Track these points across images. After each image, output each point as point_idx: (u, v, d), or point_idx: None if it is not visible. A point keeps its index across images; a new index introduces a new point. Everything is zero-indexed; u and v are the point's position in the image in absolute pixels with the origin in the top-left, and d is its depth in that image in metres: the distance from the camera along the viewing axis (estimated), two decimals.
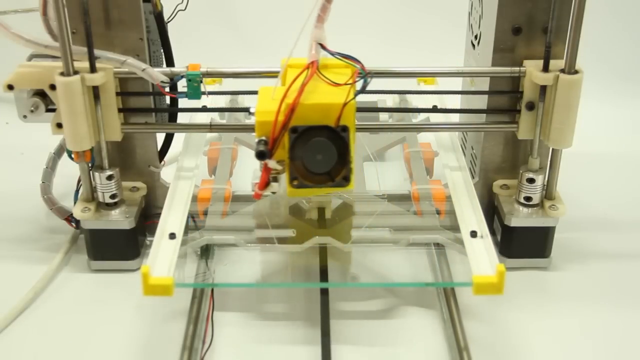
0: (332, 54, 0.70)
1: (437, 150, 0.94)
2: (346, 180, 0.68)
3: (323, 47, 0.70)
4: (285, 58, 0.73)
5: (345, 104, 0.65)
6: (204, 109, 0.91)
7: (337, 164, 0.67)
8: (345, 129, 0.66)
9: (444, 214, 0.85)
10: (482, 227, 0.75)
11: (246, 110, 0.79)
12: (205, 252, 0.84)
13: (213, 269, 0.81)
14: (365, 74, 0.69)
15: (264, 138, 0.67)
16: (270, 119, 0.66)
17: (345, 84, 0.68)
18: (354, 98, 0.66)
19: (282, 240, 0.80)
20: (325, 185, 0.68)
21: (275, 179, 0.69)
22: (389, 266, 0.82)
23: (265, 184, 0.69)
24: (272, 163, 0.67)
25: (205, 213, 0.85)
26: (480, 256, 0.71)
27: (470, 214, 0.78)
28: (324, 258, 0.79)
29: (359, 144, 0.93)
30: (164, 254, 0.71)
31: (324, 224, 0.82)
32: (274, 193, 0.71)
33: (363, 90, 0.68)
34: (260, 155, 0.66)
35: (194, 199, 0.84)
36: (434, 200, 0.86)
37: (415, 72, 0.84)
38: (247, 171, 0.98)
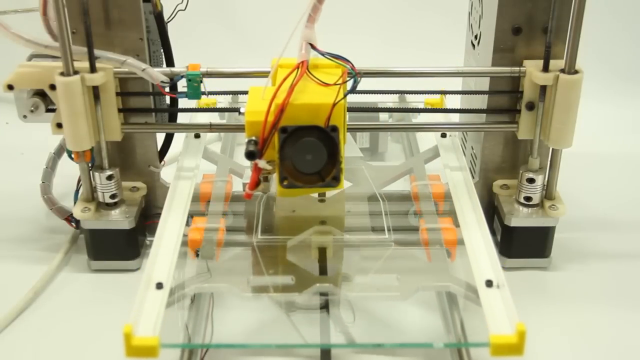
0: (322, 53, 0.71)
1: (447, 183, 0.87)
2: (336, 180, 0.67)
3: (313, 47, 0.70)
4: (275, 58, 0.72)
5: (334, 104, 0.65)
6: (205, 109, 0.91)
7: (327, 164, 0.67)
8: (335, 128, 0.66)
9: (455, 256, 0.78)
10: (499, 275, 0.69)
11: (236, 110, 0.78)
12: (197, 300, 0.75)
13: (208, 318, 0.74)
14: (355, 74, 0.69)
15: (254, 138, 0.66)
16: (260, 119, 0.65)
17: (335, 84, 0.68)
18: (343, 98, 0.66)
19: (279, 289, 0.72)
20: (315, 185, 0.68)
21: (266, 179, 0.69)
22: (396, 318, 0.76)
23: (255, 184, 0.69)
24: (262, 163, 0.67)
25: (197, 254, 0.77)
26: (498, 311, 0.65)
27: (485, 257, 0.71)
28: (326, 310, 0.73)
29: (363, 177, 0.90)
30: (149, 308, 0.64)
31: (325, 268, 0.75)
32: (265, 193, 0.70)
33: (353, 90, 0.68)
34: (250, 155, 0.66)
35: (184, 242, 0.76)
36: (444, 241, 0.78)
37: (415, 72, 0.84)
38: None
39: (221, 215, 0.83)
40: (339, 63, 0.71)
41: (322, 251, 0.77)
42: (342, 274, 0.75)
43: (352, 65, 0.70)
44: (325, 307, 0.73)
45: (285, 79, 0.67)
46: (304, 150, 0.66)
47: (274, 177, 0.69)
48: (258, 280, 0.73)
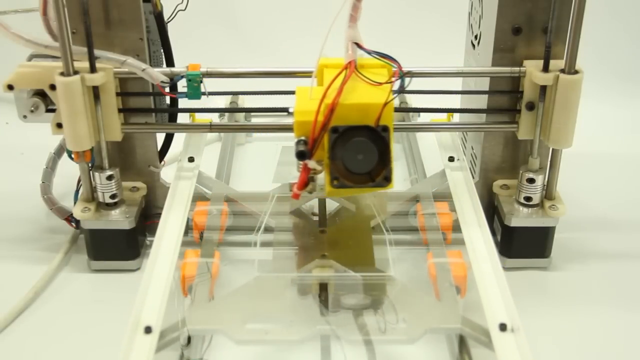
0: (369, 52, 0.70)
1: (456, 213, 0.83)
2: (387, 180, 0.67)
3: (359, 46, 0.70)
4: (320, 57, 0.72)
5: (385, 104, 0.65)
6: (206, 109, 0.90)
7: (377, 164, 0.67)
8: (385, 128, 0.66)
9: (465, 292, 0.73)
10: (513, 317, 0.65)
11: (284, 110, 0.74)
12: (189, 343, 0.70)
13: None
14: (404, 74, 0.69)
15: (303, 138, 0.67)
16: (309, 118, 0.65)
17: (386, 83, 0.68)
18: (394, 98, 0.66)
19: (277, 332, 0.68)
20: (365, 185, 0.68)
21: (313, 179, 0.69)
22: None
23: (304, 184, 0.69)
24: (312, 163, 0.67)
25: (190, 290, 0.73)
26: (512, 358, 0.61)
27: (499, 300, 0.67)
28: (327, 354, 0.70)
29: (367, 214, 0.85)
30: (137, 355, 0.60)
31: (327, 307, 0.71)
32: (310, 193, 0.70)
33: (402, 91, 0.68)
34: (301, 155, 0.66)
35: (177, 276, 0.72)
36: (453, 276, 0.74)
37: (415, 72, 0.84)
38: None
39: (216, 247, 0.81)
40: (386, 62, 0.70)
41: (324, 287, 0.74)
42: (345, 311, 0.71)
43: (399, 64, 0.70)
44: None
45: (334, 79, 0.67)
46: (355, 150, 0.66)
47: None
48: (254, 325, 0.68)
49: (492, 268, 0.71)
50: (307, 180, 0.68)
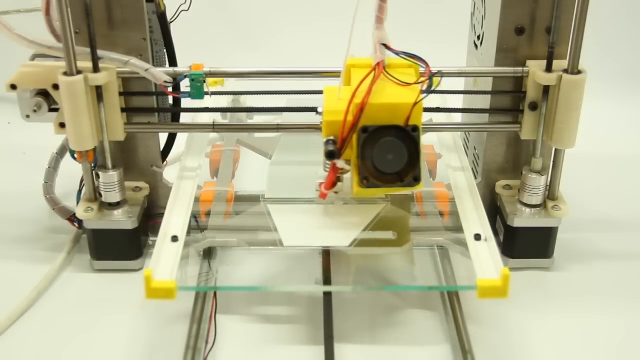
0: (397, 53, 0.70)
1: (440, 152, 0.93)
2: (416, 180, 0.68)
3: (388, 47, 0.70)
4: (348, 57, 0.73)
5: (415, 104, 0.66)
6: (207, 109, 0.90)
7: (407, 164, 0.67)
8: (415, 128, 0.66)
9: (447, 215, 0.84)
10: (486, 230, 0.74)
11: (313, 110, 0.74)
12: (208, 253, 0.83)
13: (216, 270, 0.81)
14: (433, 75, 0.69)
15: (332, 138, 0.67)
16: (339, 118, 0.66)
17: (416, 83, 0.68)
18: (424, 98, 0.66)
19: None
20: (394, 185, 0.68)
21: (339, 179, 0.69)
22: (392, 268, 0.81)
23: (332, 184, 0.69)
24: (341, 163, 0.67)
25: (208, 214, 0.84)
26: (485, 259, 0.71)
27: (474, 216, 0.78)
28: (327, 261, 0.78)
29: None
30: (166, 257, 0.71)
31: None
32: (336, 193, 0.71)
33: (433, 91, 0.68)
34: (331, 155, 0.67)
35: (197, 200, 0.83)
36: (437, 202, 0.85)
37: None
38: (249, 172, 0.99)
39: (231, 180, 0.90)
40: (414, 62, 0.71)
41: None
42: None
43: (428, 64, 0.70)
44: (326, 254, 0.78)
45: (363, 80, 0.67)
46: (385, 150, 0.67)
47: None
48: (265, 235, 0.78)
49: (470, 191, 0.82)
50: (335, 180, 0.69)
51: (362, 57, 0.73)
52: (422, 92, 0.67)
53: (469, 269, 0.71)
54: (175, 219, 0.77)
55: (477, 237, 0.74)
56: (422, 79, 0.69)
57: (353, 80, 0.70)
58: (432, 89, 0.68)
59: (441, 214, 0.84)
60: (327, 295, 0.76)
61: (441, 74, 0.71)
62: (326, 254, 0.79)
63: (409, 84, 0.68)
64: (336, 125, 0.67)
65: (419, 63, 0.71)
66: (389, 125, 0.66)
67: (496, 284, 0.66)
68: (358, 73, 0.70)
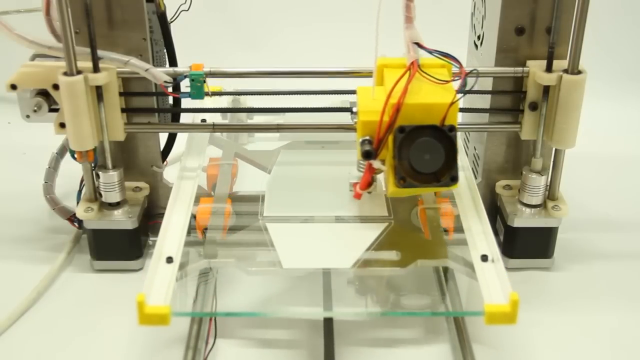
0: (431, 52, 0.70)
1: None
2: (453, 180, 0.67)
3: (420, 45, 0.70)
4: (379, 57, 0.72)
5: (452, 103, 0.65)
6: (208, 109, 0.90)
7: (443, 164, 0.67)
8: (452, 128, 0.66)
9: (452, 232, 0.80)
10: (493, 250, 0.71)
11: (348, 110, 0.73)
12: (205, 274, 0.78)
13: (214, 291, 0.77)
14: (467, 74, 0.68)
15: (367, 138, 0.67)
16: (374, 118, 0.66)
17: (452, 80, 0.68)
18: (460, 97, 0.66)
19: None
20: (431, 185, 0.68)
21: (374, 179, 0.69)
22: (396, 290, 0.77)
23: (368, 184, 0.69)
24: (377, 163, 0.67)
25: (205, 231, 0.80)
26: (492, 283, 0.68)
27: (479, 229, 0.75)
28: (328, 283, 0.75)
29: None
30: (160, 280, 0.67)
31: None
32: (369, 193, 0.70)
33: (468, 90, 0.68)
34: (367, 155, 0.66)
35: (193, 216, 0.80)
36: (441, 218, 0.81)
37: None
38: (247, 181, 0.96)
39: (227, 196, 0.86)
40: (447, 62, 0.70)
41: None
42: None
43: (461, 63, 0.70)
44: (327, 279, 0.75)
45: (399, 80, 0.66)
46: (422, 150, 0.66)
47: None
48: (264, 256, 0.75)
49: (470, 192, 0.81)
50: (370, 180, 0.68)
51: (394, 57, 0.73)
52: (457, 91, 0.67)
53: (476, 291, 0.68)
54: (169, 239, 0.73)
55: (484, 258, 0.71)
56: (456, 78, 0.69)
57: (386, 80, 0.70)
58: (467, 89, 0.68)
59: (446, 231, 0.80)
60: (328, 320, 0.73)
61: (477, 74, 0.70)
62: (327, 274, 0.76)
63: (446, 82, 0.67)
64: (371, 125, 0.66)
65: (453, 62, 0.70)
66: (426, 125, 0.66)
67: (504, 309, 0.64)
68: (391, 73, 0.70)
